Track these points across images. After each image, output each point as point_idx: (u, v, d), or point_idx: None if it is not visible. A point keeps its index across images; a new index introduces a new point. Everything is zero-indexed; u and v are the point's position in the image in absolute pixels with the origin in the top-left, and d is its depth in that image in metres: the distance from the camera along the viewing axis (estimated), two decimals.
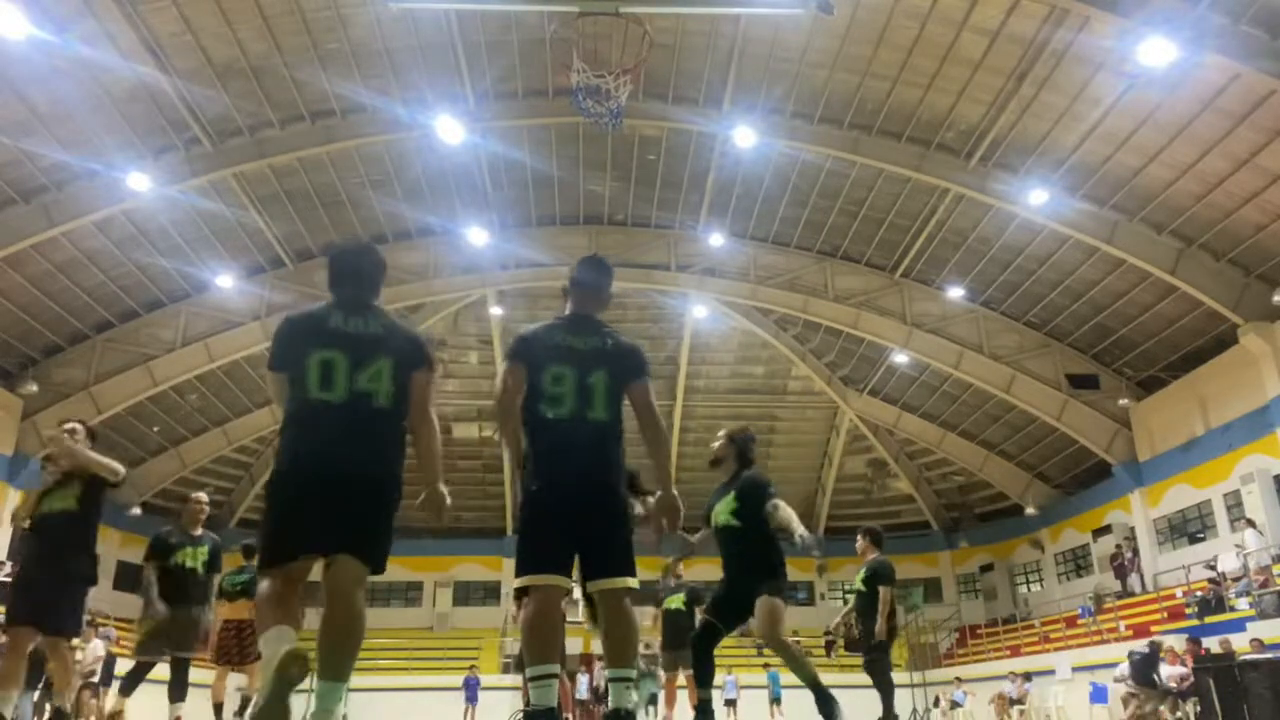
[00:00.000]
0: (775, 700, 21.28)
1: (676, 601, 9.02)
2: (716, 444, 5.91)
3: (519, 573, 3.41)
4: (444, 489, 3.50)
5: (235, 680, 8.86)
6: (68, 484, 5.63)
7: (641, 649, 9.65)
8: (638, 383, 3.64)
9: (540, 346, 3.59)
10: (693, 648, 5.71)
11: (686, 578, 9.28)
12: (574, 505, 3.41)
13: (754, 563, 5.51)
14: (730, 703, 20.13)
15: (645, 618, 10.32)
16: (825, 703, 5.38)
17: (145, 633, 6.75)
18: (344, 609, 3.07)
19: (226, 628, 7.86)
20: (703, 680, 5.64)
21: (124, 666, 15.62)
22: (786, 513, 5.45)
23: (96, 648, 15.92)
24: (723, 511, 5.64)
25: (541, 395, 3.49)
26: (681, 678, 9.01)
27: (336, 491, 3.13)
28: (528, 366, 3.55)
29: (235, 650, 7.81)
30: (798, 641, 5.52)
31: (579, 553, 3.45)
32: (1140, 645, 15.30)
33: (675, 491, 3.60)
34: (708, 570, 7.59)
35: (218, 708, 7.93)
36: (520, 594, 3.47)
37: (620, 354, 3.63)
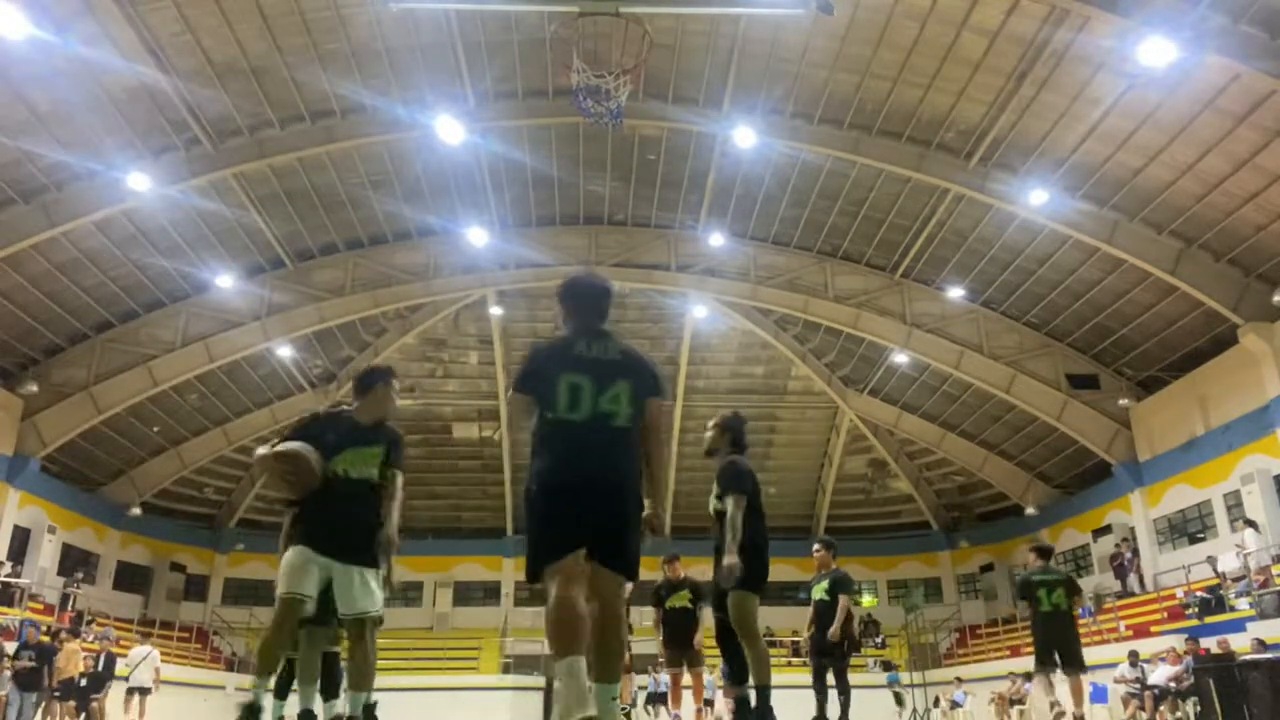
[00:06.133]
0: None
1: (681, 600, 8.93)
2: (708, 434, 5.91)
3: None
4: (662, 514, 3.78)
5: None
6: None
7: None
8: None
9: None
10: (720, 646, 5.65)
11: (685, 574, 9.21)
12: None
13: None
14: (708, 703, 20.00)
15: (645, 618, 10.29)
16: (762, 714, 5.33)
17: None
18: (611, 615, 3.40)
19: None
20: (737, 677, 5.58)
21: (121, 667, 15.72)
22: (733, 516, 5.39)
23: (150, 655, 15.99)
24: (712, 498, 5.66)
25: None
26: (687, 677, 8.98)
27: (586, 501, 3.41)
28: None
29: None
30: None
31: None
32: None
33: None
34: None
35: None
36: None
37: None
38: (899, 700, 22.06)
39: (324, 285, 23.68)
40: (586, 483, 3.40)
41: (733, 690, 5.61)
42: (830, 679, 8.25)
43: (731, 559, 5.25)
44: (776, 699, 5.57)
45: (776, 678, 5.61)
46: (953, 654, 28.01)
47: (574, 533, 3.34)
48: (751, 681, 5.40)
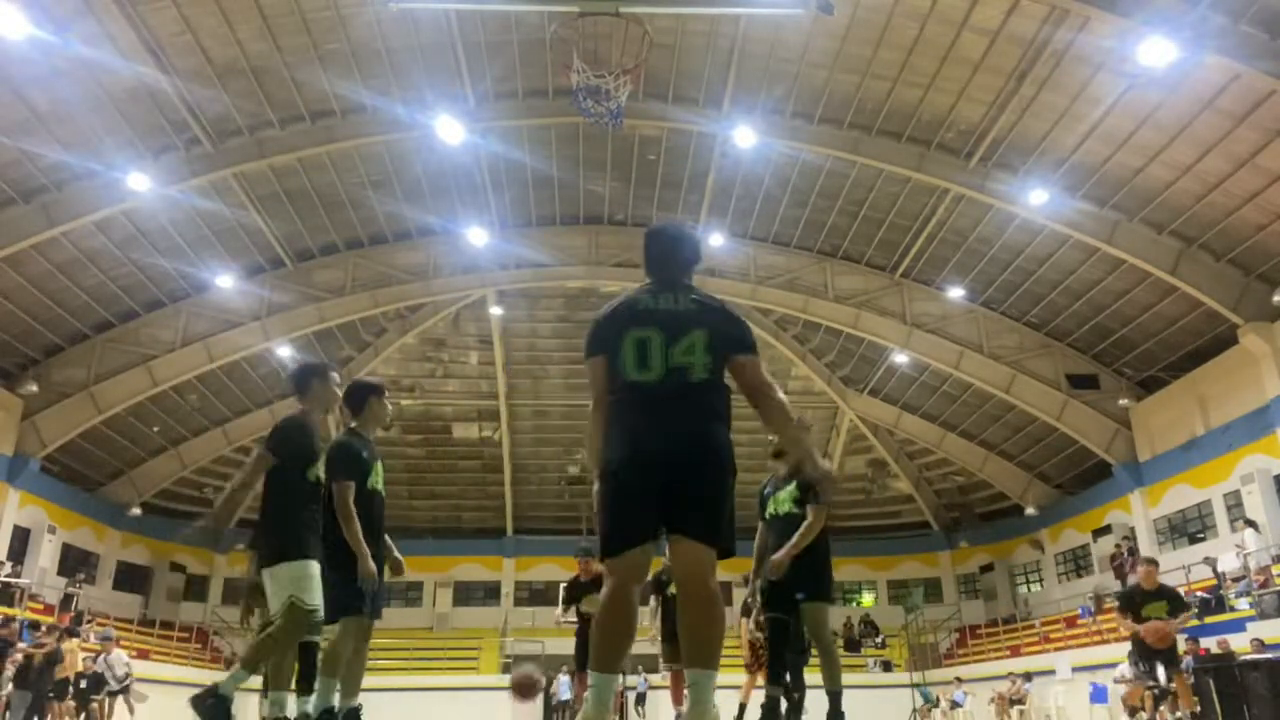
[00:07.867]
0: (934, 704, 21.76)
1: None
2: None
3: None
4: (821, 462, 3.69)
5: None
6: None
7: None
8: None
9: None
10: (771, 646, 5.74)
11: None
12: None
13: (806, 557, 5.64)
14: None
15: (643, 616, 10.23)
16: (836, 715, 5.46)
17: None
18: (695, 592, 2.98)
19: None
20: (777, 677, 5.67)
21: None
22: (811, 525, 5.70)
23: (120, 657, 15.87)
24: (786, 500, 5.77)
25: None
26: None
27: (661, 474, 2.99)
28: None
29: None
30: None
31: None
32: None
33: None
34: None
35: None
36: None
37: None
38: (927, 699, 22.19)
39: (324, 285, 23.67)
40: (662, 450, 2.99)
41: (768, 690, 5.69)
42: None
43: (783, 560, 5.59)
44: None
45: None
46: (953, 654, 28.02)
47: (645, 514, 2.97)
48: (828, 687, 5.57)
